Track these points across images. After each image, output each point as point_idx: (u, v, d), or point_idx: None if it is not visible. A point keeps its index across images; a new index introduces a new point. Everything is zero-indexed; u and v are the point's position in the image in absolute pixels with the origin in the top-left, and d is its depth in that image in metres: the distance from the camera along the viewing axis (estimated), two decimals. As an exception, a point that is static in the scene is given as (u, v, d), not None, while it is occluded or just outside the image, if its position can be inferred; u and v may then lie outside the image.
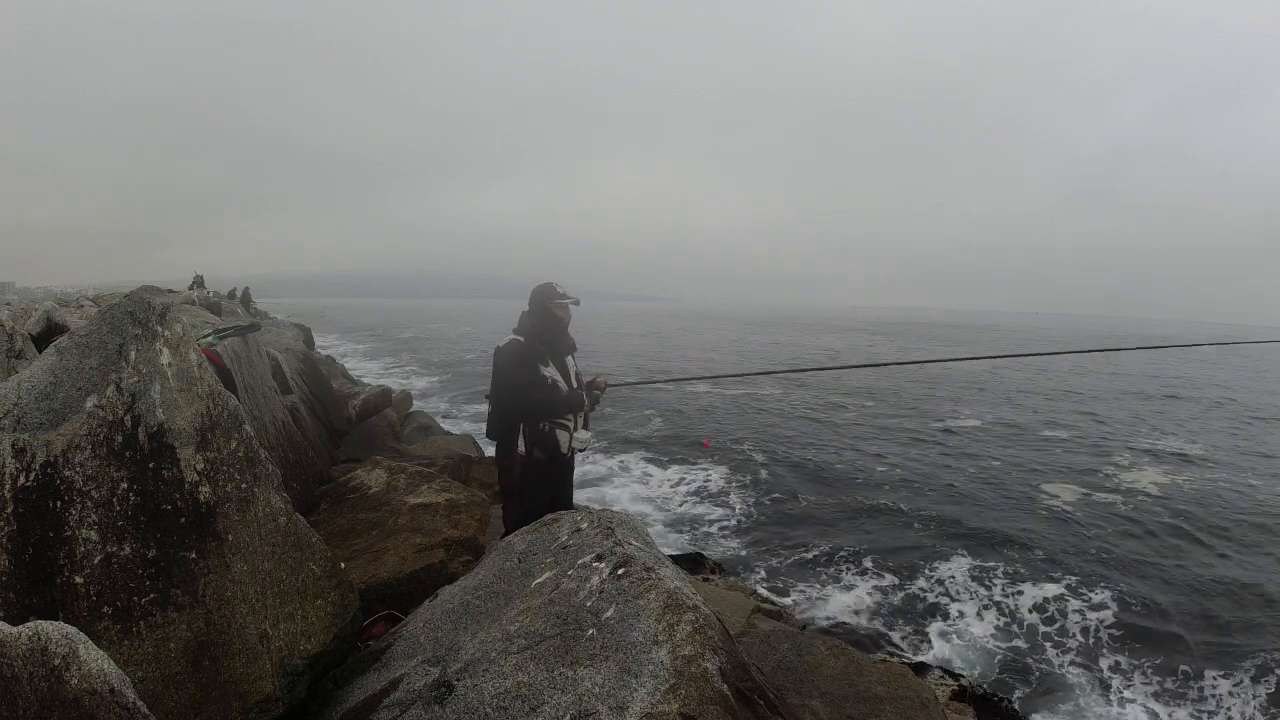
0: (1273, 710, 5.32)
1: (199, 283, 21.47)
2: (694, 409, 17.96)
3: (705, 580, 6.07)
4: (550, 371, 3.54)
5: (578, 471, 4.50)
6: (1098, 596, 7.19)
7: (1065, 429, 16.43)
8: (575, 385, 3.67)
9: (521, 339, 3.58)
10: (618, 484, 11.12)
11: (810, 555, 8.11)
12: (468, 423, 14.95)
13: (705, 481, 11.22)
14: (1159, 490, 11.22)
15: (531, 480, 3.60)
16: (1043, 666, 5.90)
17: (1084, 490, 11.19)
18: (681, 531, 8.95)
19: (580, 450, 3.75)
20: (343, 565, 2.57)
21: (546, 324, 3.60)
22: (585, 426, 3.70)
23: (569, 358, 3.72)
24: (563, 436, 3.57)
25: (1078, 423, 17.41)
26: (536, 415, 3.54)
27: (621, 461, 12.50)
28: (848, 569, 7.74)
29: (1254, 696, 5.47)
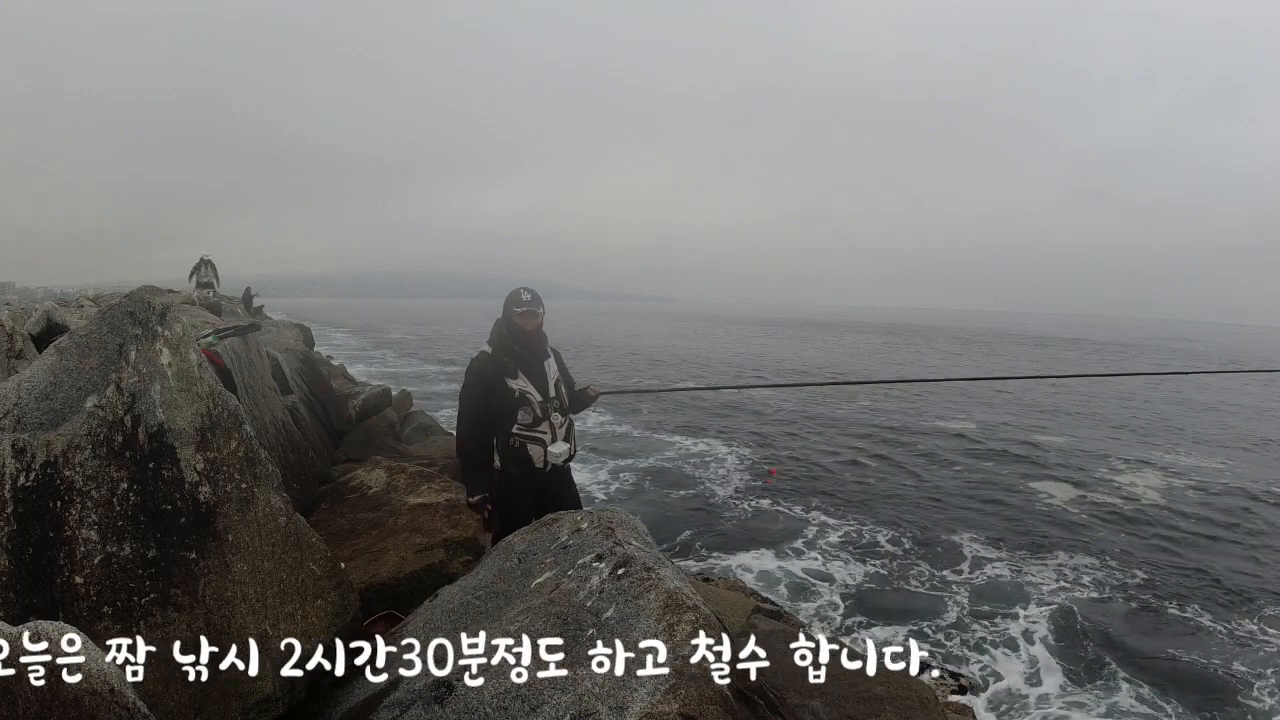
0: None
1: (206, 266, 15.38)
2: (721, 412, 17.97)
3: (705, 580, 6.07)
4: (519, 383, 3.40)
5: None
6: (1101, 595, 7.18)
7: (1062, 436, 16.42)
8: (555, 393, 3.50)
9: (489, 350, 3.48)
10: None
11: (808, 553, 8.10)
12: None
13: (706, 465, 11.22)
14: (1159, 495, 11.22)
15: (509, 494, 3.52)
16: (1045, 666, 5.90)
17: (1083, 490, 11.18)
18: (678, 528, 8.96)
19: (560, 463, 3.52)
20: (343, 565, 2.57)
21: (512, 333, 3.46)
22: (566, 439, 3.53)
23: (547, 362, 3.55)
24: (535, 451, 3.41)
25: (1074, 428, 17.40)
26: (476, 437, 3.50)
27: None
28: (847, 566, 7.74)
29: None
